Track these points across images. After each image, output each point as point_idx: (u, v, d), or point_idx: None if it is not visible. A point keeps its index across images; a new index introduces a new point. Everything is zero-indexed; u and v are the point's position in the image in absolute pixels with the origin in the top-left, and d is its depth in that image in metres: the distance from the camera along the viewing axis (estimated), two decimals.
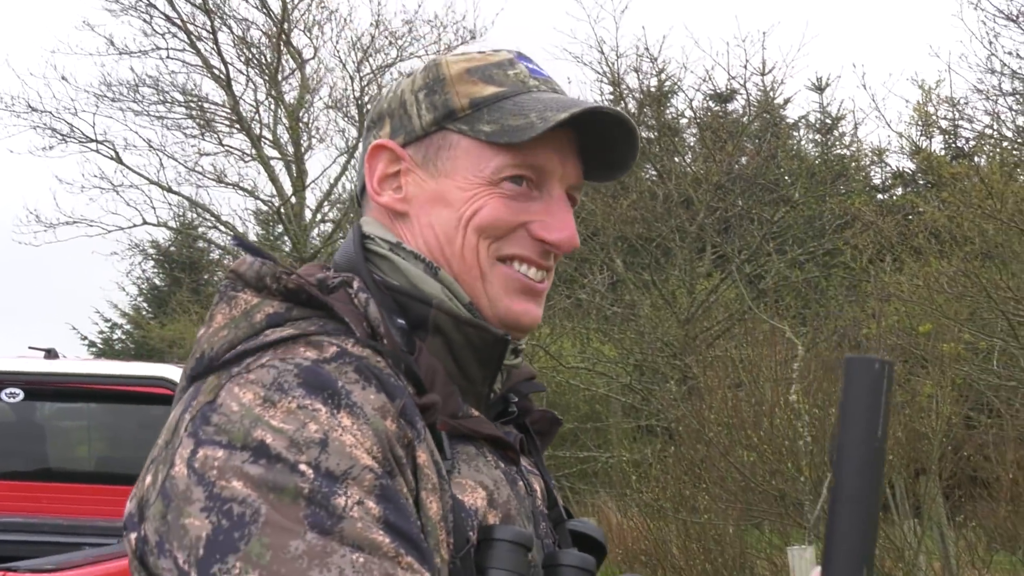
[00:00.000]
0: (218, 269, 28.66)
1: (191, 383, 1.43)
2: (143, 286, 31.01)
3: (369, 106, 22.93)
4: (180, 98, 21.36)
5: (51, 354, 6.61)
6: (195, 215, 23.74)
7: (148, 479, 1.36)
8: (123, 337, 31.28)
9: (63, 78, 31.04)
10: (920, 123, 15.92)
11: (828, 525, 1.42)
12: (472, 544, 1.39)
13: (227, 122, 21.25)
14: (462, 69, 1.57)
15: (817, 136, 23.51)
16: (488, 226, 1.52)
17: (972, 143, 17.17)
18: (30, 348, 6.73)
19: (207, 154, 21.38)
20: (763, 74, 18.66)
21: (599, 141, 1.57)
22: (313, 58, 21.57)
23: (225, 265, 27.03)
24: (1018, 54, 17.06)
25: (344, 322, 1.43)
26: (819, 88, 23.25)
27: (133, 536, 1.36)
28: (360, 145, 1.80)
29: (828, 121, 23.27)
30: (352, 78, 21.32)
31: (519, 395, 1.68)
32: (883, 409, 1.41)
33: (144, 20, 20.83)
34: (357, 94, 21.41)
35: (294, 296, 1.45)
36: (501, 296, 1.54)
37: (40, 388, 6.65)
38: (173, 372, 6.10)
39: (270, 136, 21.28)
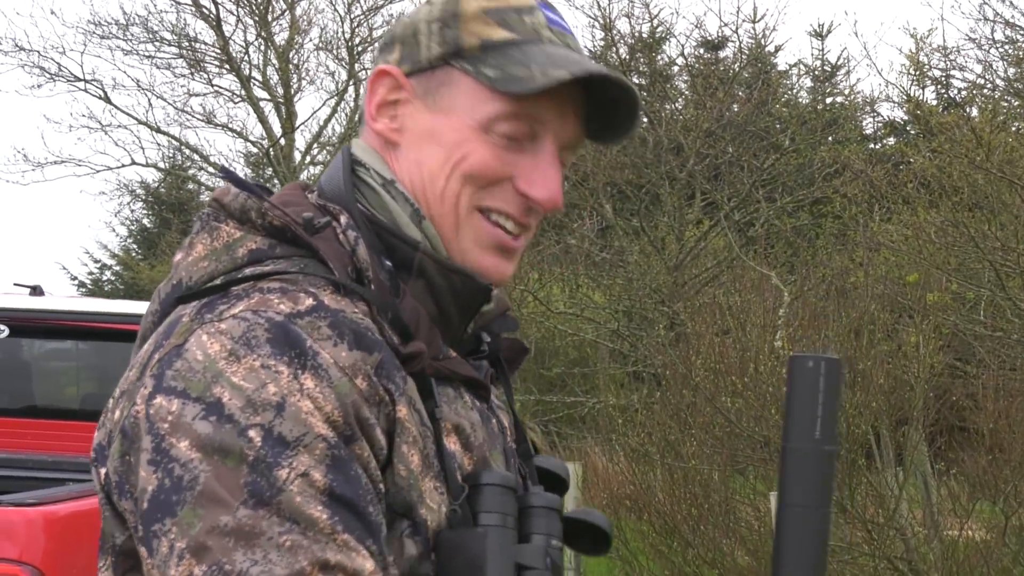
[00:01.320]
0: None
1: (164, 314, 1.42)
2: (132, 227, 30.93)
3: (359, 48, 22.86)
4: (169, 37, 21.25)
5: (36, 291, 6.61)
6: (184, 156, 23.67)
7: (116, 413, 1.37)
8: (112, 278, 31.24)
9: (52, 13, 30.84)
10: (912, 72, 15.89)
11: (775, 534, 1.38)
12: (466, 491, 1.40)
13: (217, 62, 21.16)
14: (479, 8, 1.52)
15: (814, 84, 23.37)
16: (475, 174, 1.49)
17: (964, 93, 17.15)
18: (15, 285, 6.73)
19: (196, 94, 21.38)
20: (755, 21, 18.60)
21: (601, 103, 1.54)
22: None
23: None
24: (1011, 2, 17.02)
25: (328, 266, 1.41)
26: (820, 35, 23.04)
27: (101, 471, 1.38)
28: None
29: (827, 69, 23.13)
30: (342, 19, 21.26)
31: (491, 333, 1.66)
32: (822, 410, 1.37)
33: None
34: (347, 35, 21.30)
35: (279, 233, 1.43)
36: (472, 248, 1.52)
37: (25, 324, 6.64)
38: None
39: (260, 77, 21.19)
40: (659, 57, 20.02)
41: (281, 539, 1.20)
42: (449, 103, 1.50)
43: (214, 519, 1.21)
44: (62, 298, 7.22)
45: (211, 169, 22.23)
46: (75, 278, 31.22)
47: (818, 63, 22.84)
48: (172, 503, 1.23)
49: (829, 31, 22.60)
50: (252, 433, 1.23)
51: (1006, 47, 14.89)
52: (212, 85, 21.27)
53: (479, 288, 1.52)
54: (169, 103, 21.18)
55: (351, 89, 21.53)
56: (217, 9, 20.53)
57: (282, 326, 1.30)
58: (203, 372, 1.27)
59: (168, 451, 1.25)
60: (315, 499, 1.23)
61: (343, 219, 1.47)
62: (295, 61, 21.50)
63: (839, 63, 22.86)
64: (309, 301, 1.34)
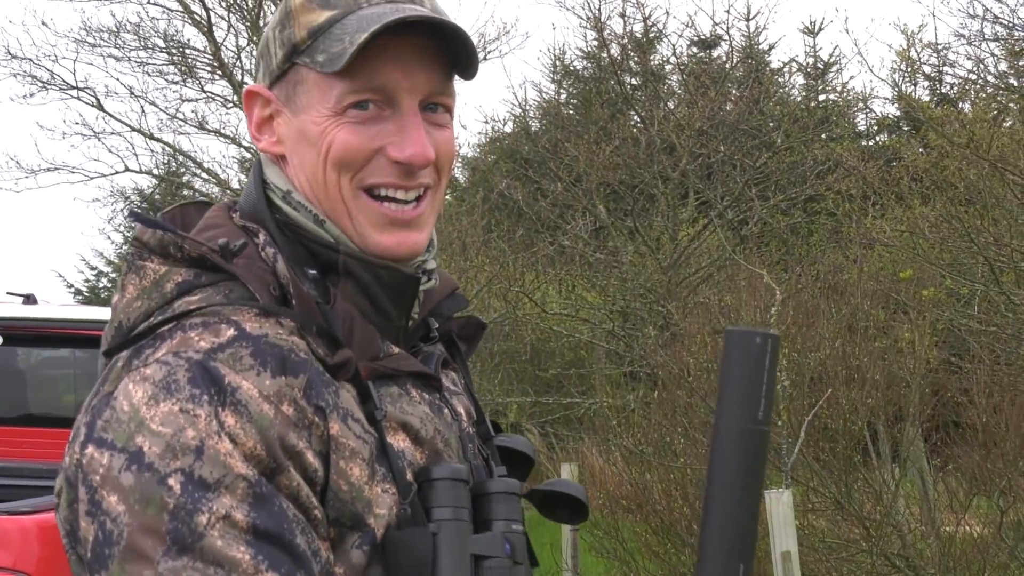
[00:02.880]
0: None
1: (109, 356, 1.44)
2: (127, 234, 30.86)
3: None
4: (161, 44, 21.20)
5: (30, 299, 6.61)
6: (178, 162, 23.64)
7: (66, 459, 1.39)
8: (108, 285, 31.19)
9: (43, 23, 30.78)
10: (903, 68, 15.89)
11: (702, 513, 1.35)
12: (415, 489, 1.42)
13: (208, 68, 21.12)
14: None
15: (807, 81, 23.37)
16: (342, 158, 1.50)
17: (956, 89, 17.16)
18: (8, 294, 6.73)
19: (189, 100, 21.27)
20: (747, 20, 18.62)
21: (452, 41, 1.51)
22: None
23: None
24: None
25: (250, 289, 1.42)
26: (812, 32, 23.04)
27: (59, 516, 1.41)
28: None
29: (820, 66, 23.12)
30: None
31: (440, 317, 1.67)
32: (764, 388, 1.33)
33: None
34: None
35: (199, 263, 1.44)
36: (369, 231, 1.52)
37: (19, 332, 6.64)
38: None
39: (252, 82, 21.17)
40: (652, 57, 20.02)
41: None
42: (306, 101, 1.51)
43: (138, 574, 1.23)
44: (55, 306, 7.22)
45: (204, 175, 22.19)
46: (71, 285, 31.21)
47: (810, 60, 22.87)
48: (105, 556, 1.26)
49: (821, 28, 22.64)
50: (172, 481, 1.25)
51: (997, 42, 14.92)
52: (204, 91, 21.25)
53: (406, 277, 1.53)
54: (162, 109, 21.15)
55: None
56: (208, 15, 20.52)
57: (200, 364, 1.32)
58: (128, 422, 1.30)
59: (100, 503, 1.28)
60: (238, 539, 1.25)
61: (262, 236, 1.50)
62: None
63: (831, 60, 22.88)
64: (230, 332, 1.36)
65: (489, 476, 1.60)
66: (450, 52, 1.52)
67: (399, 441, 1.45)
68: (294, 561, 1.27)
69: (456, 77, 1.57)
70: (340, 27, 1.49)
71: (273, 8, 21.09)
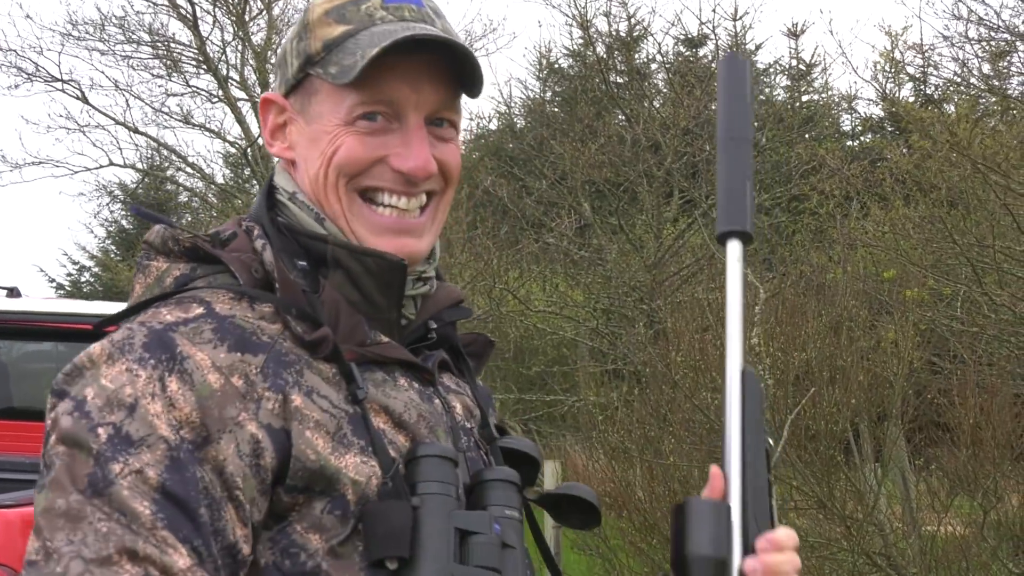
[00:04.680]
0: (186, 212, 28.55)
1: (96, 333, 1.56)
2: (111, 228, 30.79)
3: None
4: (146, 38, 21.14)
5: (13, 293, 6.59)
6: (162, 157, 23.58)
7: None
8: (91, 280, 31.11)
9: (28, 16, 30.70)
10: (887, 70, 15.93)
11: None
12: (399, 462, 1.47)
13: (194, 63, 21.07)
14: (322, 11, 1.61)
15: (789, 82, 23.42)
16: (344, 164, 1.57)
17: (940, 91, 17.20)
18: None
19: (174, 94, 21.23)
20: (734, 20, 18.64)
21: (461, 60, 1.59)
22: None
23: (194, 207, 27.12)
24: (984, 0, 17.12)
25: (232, 273, 1.53)
26: (794, 34, 23.12)
27: None
28: None
29: (802, 68, 23.18)
30: None
31: (440, 321, 1.72)
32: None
33: None
34: None
35: (194, 254, 1.56)
36: (366, 235, 1.60)
37: (2, 326, 6.61)
38: None
39: (237, 77, 21.09)
40: (637, 56, 20.03)
41: (99, 525, 1.30)
42: (318, 110, 1.60)
43: (52, 501, 1.33)
44: (38, 299, 7.21)
45: (189, 170, 22.14)
46: (53, 280, 31.10)
47: (793, 61, 22.93)
48: (40, 484, 1.37)
49: (804, 30, 22.69)
50: (101, 431, 1.35)
51: (981, 44, 14.95)
52: (189, 85, 21.20)
53: (393, 265, 1.59)
54: (146, 103, 21.10)
55: None
56: (194, 9, 20.45)
57: (158, 333, 1.43)
58: (82, 372, 1.42)
59: (48, 442, 1.39)
60: (145, 495, 1.32)
61: (256, 231, 1.59)
62: (273, 61, 21.43)
63: (814, 61, 22.93)
64: (199, 310, 1.47)
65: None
66: (457, 71, 1.59)
67: (380, 423, 1.51)
68: (195, 528, 1.34)
69: (463, 95, 1.65)
70: (354, 41, 1.57)
71: (258, 2, 21.07)
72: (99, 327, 1.54)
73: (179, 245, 1.56)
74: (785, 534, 1.45)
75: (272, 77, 1.73)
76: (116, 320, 1.53)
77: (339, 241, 1.58)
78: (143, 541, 1.30)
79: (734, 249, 1.55)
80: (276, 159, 1.71)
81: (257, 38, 21.16)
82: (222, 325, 1.44)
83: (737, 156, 1.55)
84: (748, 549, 1.43)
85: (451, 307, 1.73)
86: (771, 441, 1.59)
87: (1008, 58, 14.06)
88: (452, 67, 1.59)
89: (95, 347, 1.43)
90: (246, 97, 21.08)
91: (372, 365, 1.55)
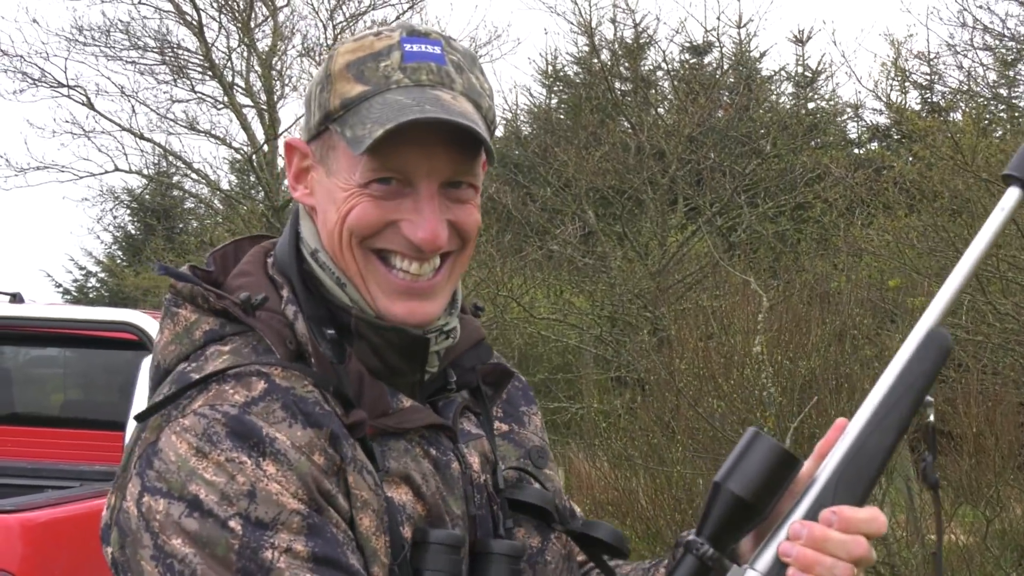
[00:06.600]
0: (191, 217, 28.61)
1: (140, 421, 1.54)
2: (117, 234, 30.81)
3: None
4: (152, 44, 21.15)
5: (16, 298, 6.59)
6: (168, 162, 23.59)
7: (112, 499, 1.51)
8: (97, 285, 31.15)
9: (34, 21, 30.73)
10: (893, 77, 15.91)
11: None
12: (407, 548, 1.50)
13: (199, 69, 21.07)
14: (344, 63, 1.59)
15: (795, 89, 23.36)
16: (357, 227, 1.57)
17: (946, 99, 17.17)
18: None
19: (179, 101, 21.21)
20: (738, 27, 18.63)
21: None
22: (286, 5, 21.34)
23: (199, 215, 27.16)
24: (989, 7, 17.07)
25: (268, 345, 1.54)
26: (800, 41, 23.02)
27: (107, 550, 1.52)
28: None
29: (808, 75, 23.11)
30: (325, 26, 21.11)
31: (461, 367, 1.71)
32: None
33: None
34: (330, 42, 21.21)
35: (224, 314, 1.57)
36: (380, 296, 1.59)
37: (6, 331, 6.62)
38: (139, 317, 6.07)
39: (242, 84, 21.09)
40: (642, 63, 20.01)
41: None
42: (336, 165, 1.59)
43: None
44: (42, 305, 7.20)
45: (195, 176, 22.13)
46: (59, 285, 31.14)
47: (799, 69, 22.86)
48: None
49: (809, 37, 22.62)
50: (233, 524, 1.37)
51: (987, 52, 14.95)
52: (195, 91, 21.19)
53: (415, 339, 1.59)
54: (152, 109, 21.08)
55: None
56: (199, 15, 20.45)
57: (237, 419, 1.43)
58: (178, 472, 1.41)
59: (164, 548, 1.38)
60: (302, 568, 1.36)
61: (285, 293, 1.59)
62: (278, 68, 21.42)
63: (819, 68, 22.86)
64: (261, 385, 1.47)
65: (494, 529, 1.65)
66: (471, 138, 1.56)
67: (401, 494, 1.53)
68: None
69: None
70: (367, 107, 1.54)
71: (264, 9, 21.09)
72: (147, 413, 1.51)
73: (208, 304, 1.58)
74: (864, 515, 1.43)
75: (303, 117, 1.69)
76: (166, 404, 1.50)
77: (361, 315, 1.58)
78: None
79: (1012, 195, 1.47)
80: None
81: (262, 44, 21.16)
82: (287, 400, 1.46)
83: None
84: (811, 515, 1.39)
85: (472, 348, 1.73)
86: (932, 417, 1.50)
87: (1016, 67, 14.06)
88: (467, 133, 1.55)
89: (173, 441, 1.43)
90: (251, 103, 21.08)
91: (392, 436, 1.57)
